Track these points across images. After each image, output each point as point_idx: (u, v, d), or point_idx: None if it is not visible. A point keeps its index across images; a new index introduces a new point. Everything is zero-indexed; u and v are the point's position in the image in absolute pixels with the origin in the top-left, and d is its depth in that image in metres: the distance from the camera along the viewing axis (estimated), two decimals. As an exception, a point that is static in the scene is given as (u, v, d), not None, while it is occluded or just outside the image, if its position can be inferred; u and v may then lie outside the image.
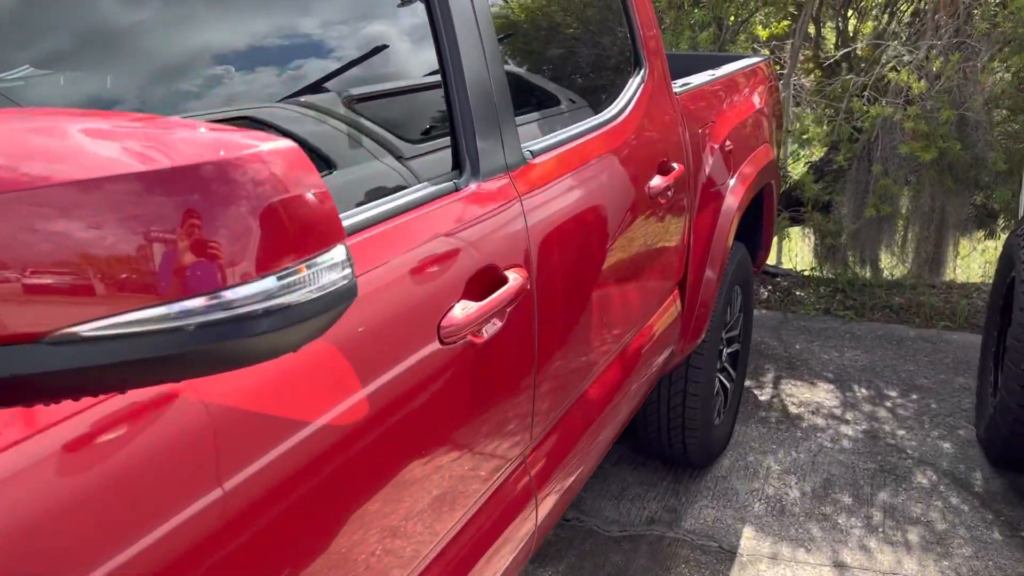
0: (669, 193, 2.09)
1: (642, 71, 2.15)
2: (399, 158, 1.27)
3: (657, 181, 2.02)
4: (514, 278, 1.30)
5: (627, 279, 1.92)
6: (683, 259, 2.38)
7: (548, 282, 1.47)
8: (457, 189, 1.28)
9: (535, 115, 1.69)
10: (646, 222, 1.99)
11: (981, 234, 5.05)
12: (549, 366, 1.51)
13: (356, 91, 1.24)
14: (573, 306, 1.63)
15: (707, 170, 2.50)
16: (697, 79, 2.75)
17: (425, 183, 1.25)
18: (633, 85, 2.10)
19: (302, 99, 1.13)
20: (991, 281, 5.21)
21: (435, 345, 1.13)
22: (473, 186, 1.31)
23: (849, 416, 3.41)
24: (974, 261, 6.22)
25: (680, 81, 2.64)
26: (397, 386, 1.07)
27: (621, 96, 2.03)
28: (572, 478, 1.70)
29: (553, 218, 1.51)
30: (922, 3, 4.85)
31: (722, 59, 3.56)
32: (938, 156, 4.19)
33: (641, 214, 1.95)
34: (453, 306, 1.17)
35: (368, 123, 1.25)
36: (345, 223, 1.05)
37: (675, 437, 2.79)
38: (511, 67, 1.68)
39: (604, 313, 1.78)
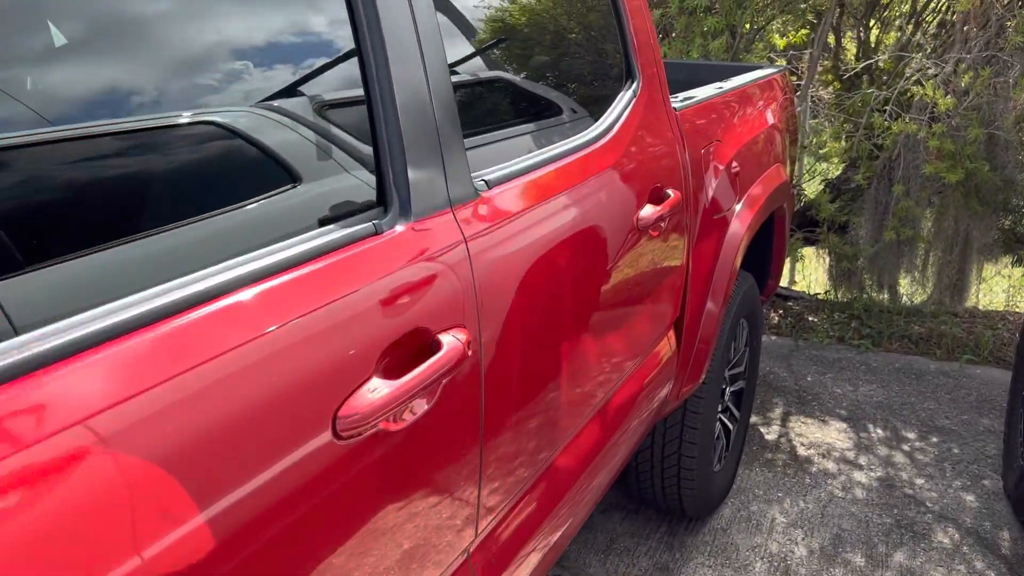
0: (662, 224, 1.82)
1: (634, 84, 1.88)
2: (299, 193, 1.01)
3: (648, 211, 1.75)
4: (450, 342, 1.04)
5: (609, 326, 1.65)
6: (679, 296, 2.11)
7: (500, 343, 1.20)
8: (377, 232, 1.02)
9: (497, 136, 1.42)
10: (634, 258, 1.72)
11: (1008, 260, 4.73)
12: (501, 445, 1.24)
13: (252, 106, 0.98)
14: (535, 368, 1.35)
15: (710, 194, 2.23)
16: (702, 92, 2.48)
17: (333, 225, 0.99)
18: (623, 100, 1.83)
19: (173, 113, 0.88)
20: (1018, 310, 4.93)
21: (326, 439, 0.87)
22: (400, 227, 1.05)
23: (863, 460, 3.12)
24: (997, 285, 5.89)
25: (682, 95, 2.37)
26: (269, 500, 0.81)
27: (608, 113, 1.76)
28: (534, 565, 1.43)
29: (509, 263, 1.24)
30: (950, 14, 4.56)
31: (734, 69, 3.29)
32: (964, 177, 3.90)
33: (628, 250, 1.68)
34: (358, 387, 0.91)
35: (262, 148, 0.99)
36: (211, 282, 0.80)
37: (670, 487, 2.52)
38: (467, 78, 1.42)
39: (578, 370, 1.50)
